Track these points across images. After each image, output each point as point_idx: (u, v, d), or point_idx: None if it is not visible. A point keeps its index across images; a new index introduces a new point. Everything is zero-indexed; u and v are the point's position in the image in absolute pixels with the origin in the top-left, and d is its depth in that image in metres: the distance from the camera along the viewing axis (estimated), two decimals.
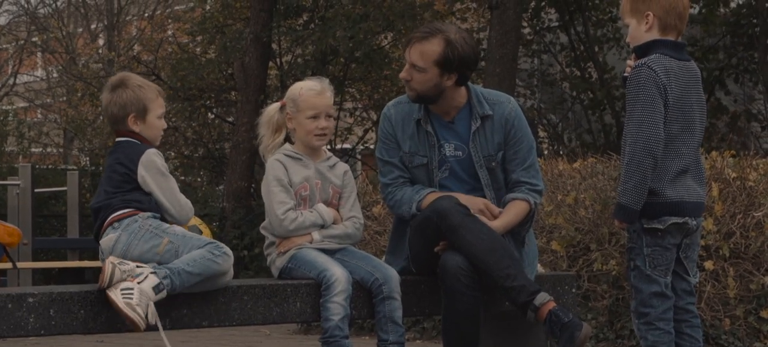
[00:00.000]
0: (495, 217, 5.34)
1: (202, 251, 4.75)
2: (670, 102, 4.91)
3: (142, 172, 4.83)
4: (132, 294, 4.56)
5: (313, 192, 5.23)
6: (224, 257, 4.79)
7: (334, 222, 5.25)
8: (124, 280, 4.60)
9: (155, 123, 4.96)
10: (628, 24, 5.08)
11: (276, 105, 5.37)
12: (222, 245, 4.83)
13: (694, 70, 5.05)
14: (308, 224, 5.18)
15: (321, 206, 5.24)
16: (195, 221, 5.04)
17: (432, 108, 5.45)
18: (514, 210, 5.38)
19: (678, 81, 4.94)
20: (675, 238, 4.99)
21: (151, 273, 4.63)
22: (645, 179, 4.86)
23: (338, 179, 5.33)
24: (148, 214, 4.81)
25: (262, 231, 5.31)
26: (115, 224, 4.78)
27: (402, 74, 5.41)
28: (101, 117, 22.19)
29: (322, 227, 5.21)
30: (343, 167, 5.38)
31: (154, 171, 4.84)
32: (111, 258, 4.65)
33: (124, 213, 4.79)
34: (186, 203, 4.93)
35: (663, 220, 4.93)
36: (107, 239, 4.78)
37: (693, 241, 5.09)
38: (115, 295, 4.56)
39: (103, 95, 5.00)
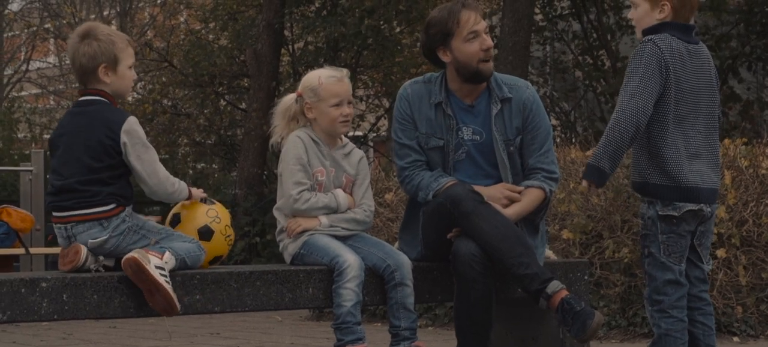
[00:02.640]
0: (518, 195, 5.33)
1: (192, 246, 4.79)
2: (673, 83, 4.89)
3: (124, 139, 4.66)
4: (166, 274, 4.58)
5: (328, 178, 5.23)
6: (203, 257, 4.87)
7: (349, 209, 5.24)
8: (149, 255, 4.56)
9: (126, 74, 4.76)
10: (637, 5, 5.05)
11: (291, 96, 5.31)
12: (201, 245, 4.85)
13: (703, 54, 5.02)
14: (320, 205, 5.17)
15: (339, 192, 5.23)
16: (212, 212, 5.03)
17: (455, 91, 5.41)
18: (529, 198, 5.37)
19: (684, 63, 4.93)
20: (690, 225, 4.97)
21: (170, 255, 4.65)
22: (623, 147, 4.88)
23: (352, 167, 5.31)
24: (130, 210, 4.72)
25: (275, 213, 5.31)
26: (104, 223, 4.67)
27: (489, 43, 5.33)
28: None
29: (335, 211, 5.20)
30: (358, 154, 5.36)
31: (136, 140, 4.68)
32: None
33: (110, 211, 4.67)
34: (164, 175, 4.75)
35: (678, 207, 4.92)
36: (95, 242, 4.66)
37: (707, 228, 5.07)
38: (155, 274, 4.53)
39: (69, 44, 4.74)
